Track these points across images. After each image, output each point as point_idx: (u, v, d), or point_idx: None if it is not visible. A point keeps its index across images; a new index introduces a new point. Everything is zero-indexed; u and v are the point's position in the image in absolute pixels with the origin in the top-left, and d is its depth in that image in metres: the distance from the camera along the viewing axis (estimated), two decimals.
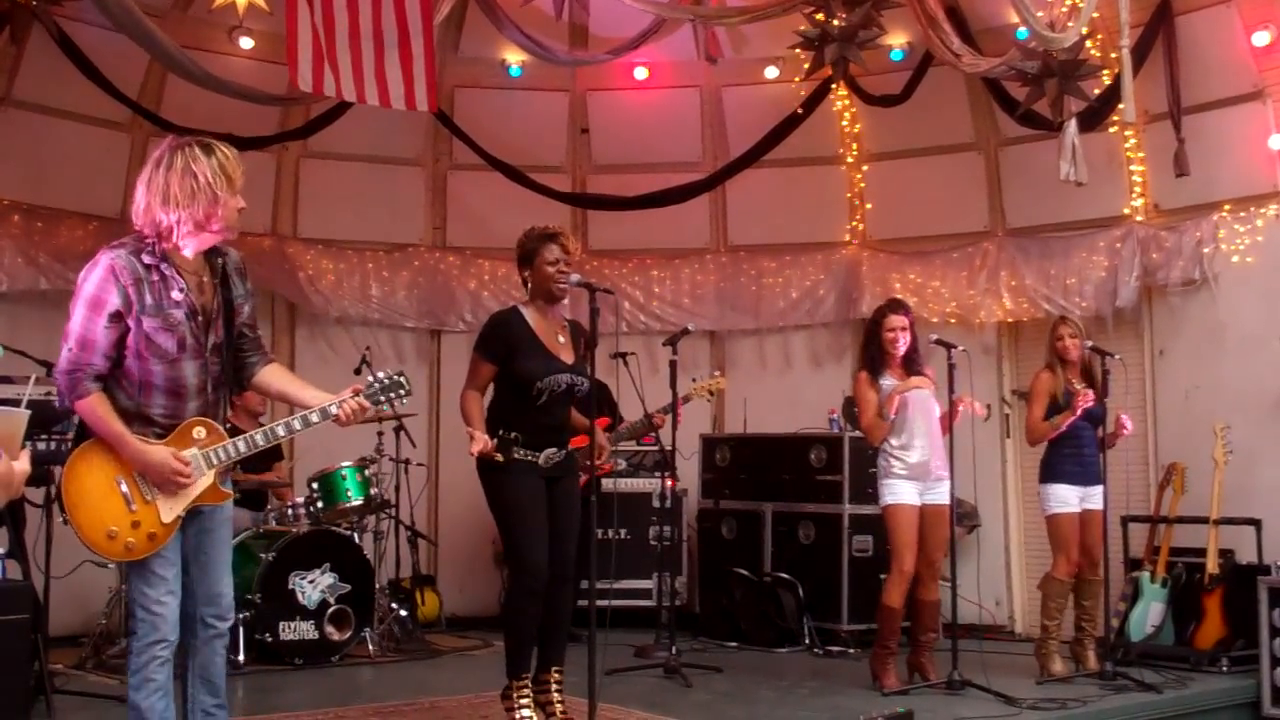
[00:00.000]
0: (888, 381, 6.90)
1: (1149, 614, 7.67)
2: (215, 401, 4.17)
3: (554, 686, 5.58)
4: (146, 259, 4.02)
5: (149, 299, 3.98)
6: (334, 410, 4.18)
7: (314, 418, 4.19)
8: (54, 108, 8.41)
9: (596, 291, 5.42)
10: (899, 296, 7.57)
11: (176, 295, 4.02)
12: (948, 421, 6.90)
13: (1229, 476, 7.58)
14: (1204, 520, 7.60)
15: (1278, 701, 6.91)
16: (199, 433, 4.10)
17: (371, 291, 9.81)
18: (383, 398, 4.35)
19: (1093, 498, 7.22)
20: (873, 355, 7.00)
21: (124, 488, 4.00)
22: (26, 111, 8.32)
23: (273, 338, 9.61)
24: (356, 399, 4.21)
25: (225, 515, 4.27)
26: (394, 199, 9.92)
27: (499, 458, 5.38)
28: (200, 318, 4.07)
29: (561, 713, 5.51)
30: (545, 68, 9.54)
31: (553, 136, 10.13)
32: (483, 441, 5.31)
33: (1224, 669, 7.30)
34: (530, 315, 5.58)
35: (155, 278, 4.01)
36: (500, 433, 5.42)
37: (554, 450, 5.50)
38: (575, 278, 5.53)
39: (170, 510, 4.04)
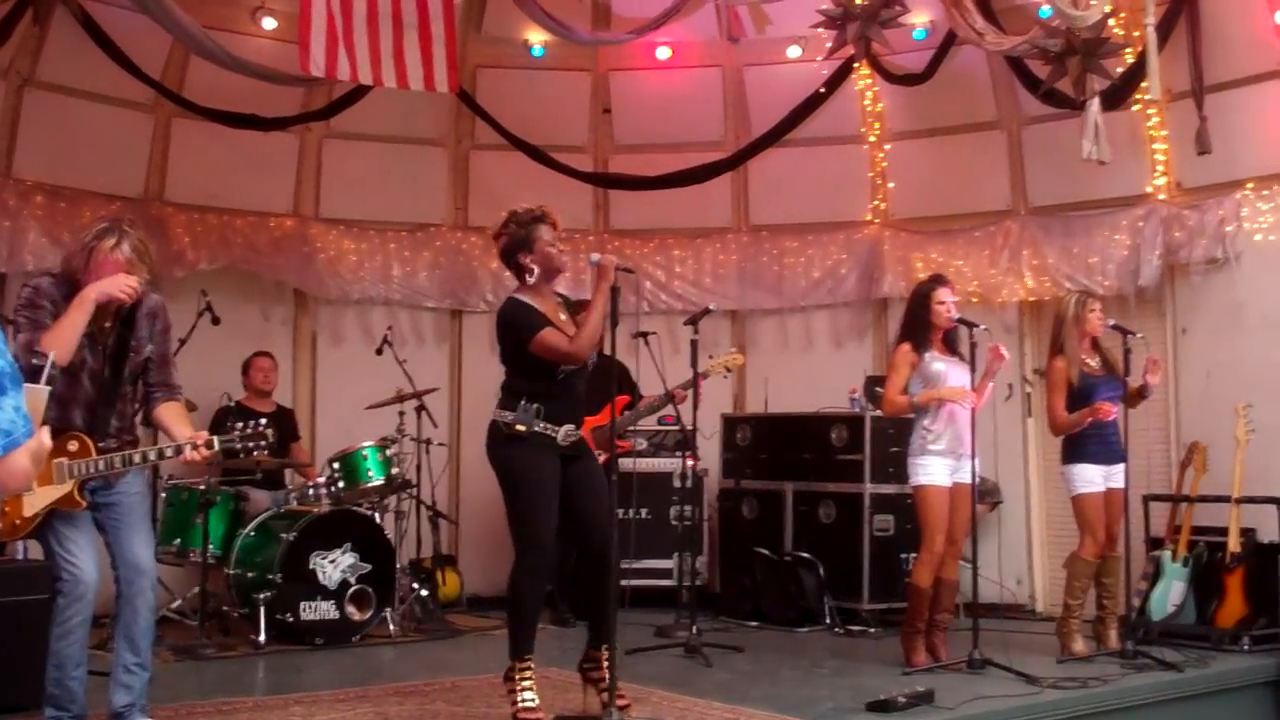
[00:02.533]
0: (938, 364, 6.87)
1: (1170, 593, 7.65)
2: (103, 418, 4.82)
3: (604, 663, 5.51)
4: (65, 289, 4.78)
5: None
6: (187, 450, 4.78)
7: (167, 451, 4.82)
8: (77, 89, 8.46)
9: (617, 270, 5.42)
10: (942, 274, 7.54)
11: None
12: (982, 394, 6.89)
13: (1250, 455, 7.54)
14: (1225, 499, 7.58)
15: None
16: (72, 445, 4.71)
17: (393, 272, 9.83)
18: (239, 445, 4.94)
19: (1115, 476, 7.19)
20: (918, 329, 6.96)
21: None
22: (50, 92, 8.38)
23: (294, 318, 9.67)
24: (203, 447, 4.77)
25: (134, 490, 4.93)
26: (416, 179, 9.93)
27: (521, 429, 5.38)
28: (99, 347, 4.80)
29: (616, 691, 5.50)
30: (567, 47, 9.53)
31: (575, 116, 10.11)
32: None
33: (1245, 648, 7.27)
34: (532, 300, 5.53)
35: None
36: (523, 403, 5.40)
37: (572, 427, 5.49)
38: (595, 256, 5.52)
39: (31, 506, 4.67)
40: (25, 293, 4.83)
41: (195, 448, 4.77)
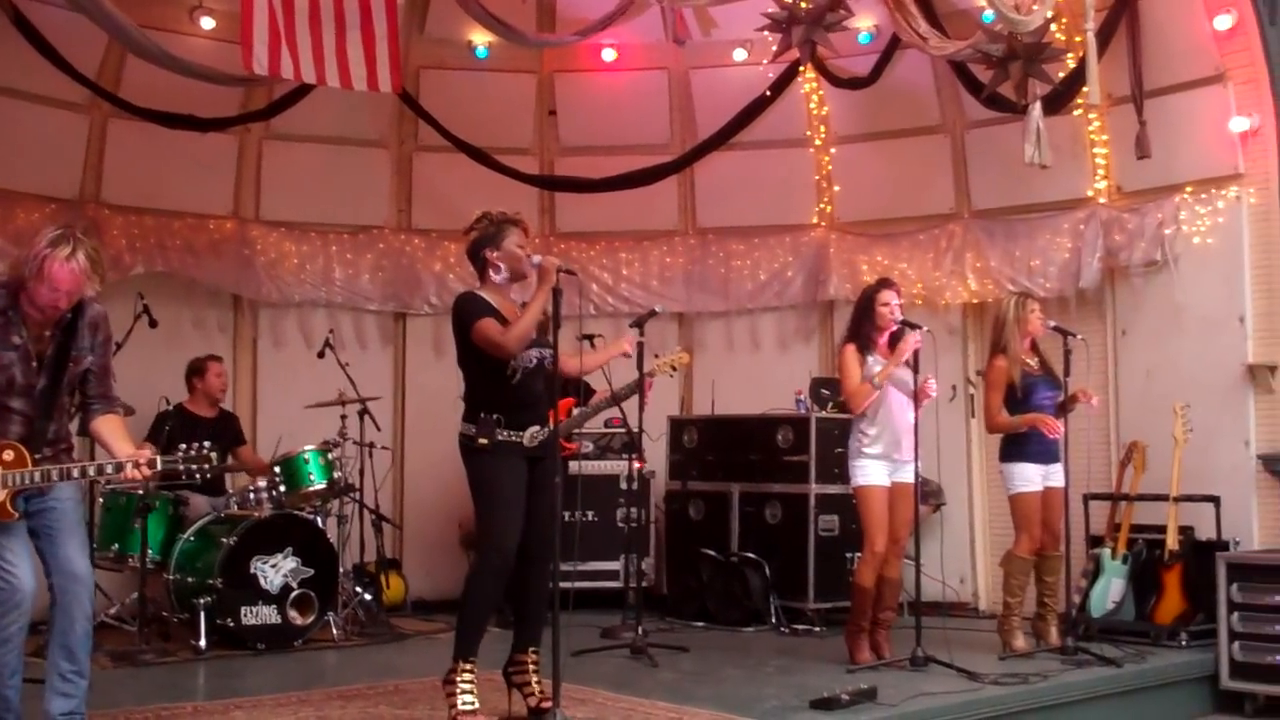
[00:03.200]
0: (879, 367, 6.90)
1: (1110, 590, 7.73)
2: (40, 430, 4.75)
3: (531, 667, 5.55)
4: (6, 299, 4.70)
5: None
6: (127, 469, 4.72)
7: (108, 468, 4.76)
8: (11, 89, 8.28)
9: (560, 272, 5.41)
10: (888, 277, 7.60)
11: (15, 339, 4.68)
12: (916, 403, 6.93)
13: (1188, 455, 7.64)
14: (1164, 498, 7.67)
15: (1235, 675, 6.99)
16: (7, 455, 4.64)
17: (335, 274, 9.75)
18: (181, 466, 4.81)
19: (1054, 475, 7.29)
20: (865, 333, 7.00)
21: None
22: None
23: (235, 321, 9.58)
24: (145, 467, 4.71)
25: (67, 496, 4.84)
26: (358, 181, 9.85)
27: (484, 441, 5.37)
28: (33, 362, 4.71)
29: (540, 693, 5.47)
30: (512, 49, 9.49)
31: (520, 118, 10.08)
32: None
33: (1183, 643, 7.37)
34: (491, 298, 5.54)
35: (3, 320, 4.68)
36: (481, 416, 5.40)
37: (537, 429, 5.47)
38: (536, 259, 5.51)
39: None
40: None
41: (137, 466, 4.71)
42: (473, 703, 5.32)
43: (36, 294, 4.65)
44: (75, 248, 4.65)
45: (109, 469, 4.75)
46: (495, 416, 5.40)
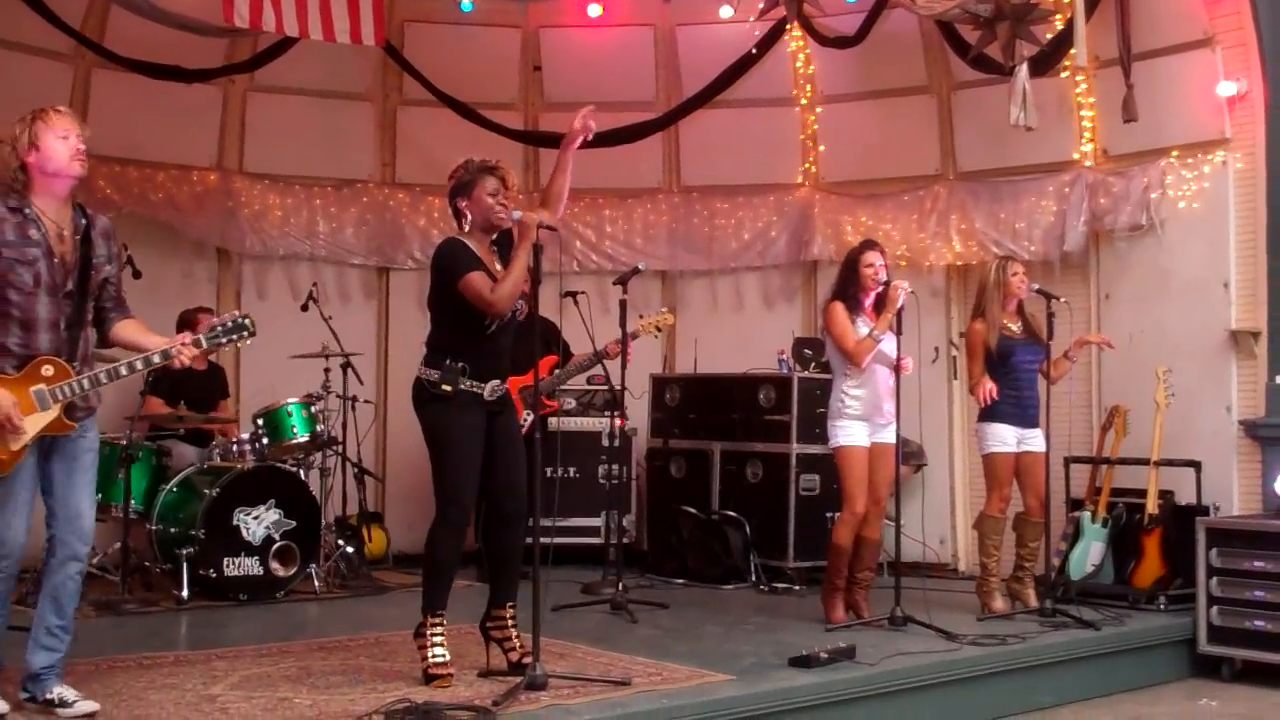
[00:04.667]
0: (865, 329, 6.89)
1: (1089, 553, 7.78)
2: (68, 340, 4.60)
3: (510, 623, 5.56)
4: (11, 203, 4.55)
5: (10, 234, 4.50)
6: (173, 353, 4.62)
7: (155, 359, 4.64)
8: None
9: (541, 228, 5.39)
10: (872, 239, 7.60)
11: (34, 234, 4.53)
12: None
13: (1170, 419, 7.68)
14: (1145, 462, 7.71)
15: (1213, 639, 7.04)
16: (47, 370, 4.53)
17: (319, 227, 9.72)
18: (223, 340, 4.76)
19: (1031, 439, 7.31)
20: (850, 294, 6.99)
21: None
22: None
23: (218, 273, 9.54)
24: (192, 346, 4.64)
25: (89, 446, 4.74)
26: (343, 134, 9.80)
27: (447, 388, 5.36)
28: (56, 260, 4.56)
29: (520, 647, 5.49)
30: (497, 3, 9.48)
31: (505, 73, 10.03)
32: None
33: (1162, 607, 7.42)
34: (473, 245, 5.51)
35: (18, 219, 4.53)
36: (447, 362, 5.38)
37: (498, 383, 5.46)
38: (516, 214, 5.46)
39: (17, 440, 4.49)
40: None
41: (180, 350, 4.61)
42: (444, 655, 5.34)
43: (46, 163, 4.55)
44: (47, 106, 4.67)
45: (155, 359, 4.64)
46: (461, 365, 5.37)
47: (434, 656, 5.33)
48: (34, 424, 4.51)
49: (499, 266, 5.49)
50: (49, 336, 4.58)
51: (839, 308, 6.98)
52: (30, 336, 4.55)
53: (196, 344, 4.65)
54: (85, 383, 4.58)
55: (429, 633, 5.37)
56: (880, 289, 6.98)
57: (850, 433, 6.90)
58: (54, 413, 4.53)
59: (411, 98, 9.84)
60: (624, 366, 7.66)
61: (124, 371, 4.63)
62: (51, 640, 4.69)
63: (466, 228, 5.52)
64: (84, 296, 4.68)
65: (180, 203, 9.13)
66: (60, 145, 4.56)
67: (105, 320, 4.83)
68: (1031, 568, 7.45)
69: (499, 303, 5.33)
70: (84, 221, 4.69)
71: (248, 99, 9.49)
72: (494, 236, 5.58)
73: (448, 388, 5.35)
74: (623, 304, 7.48)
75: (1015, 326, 7.38)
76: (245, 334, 4.78)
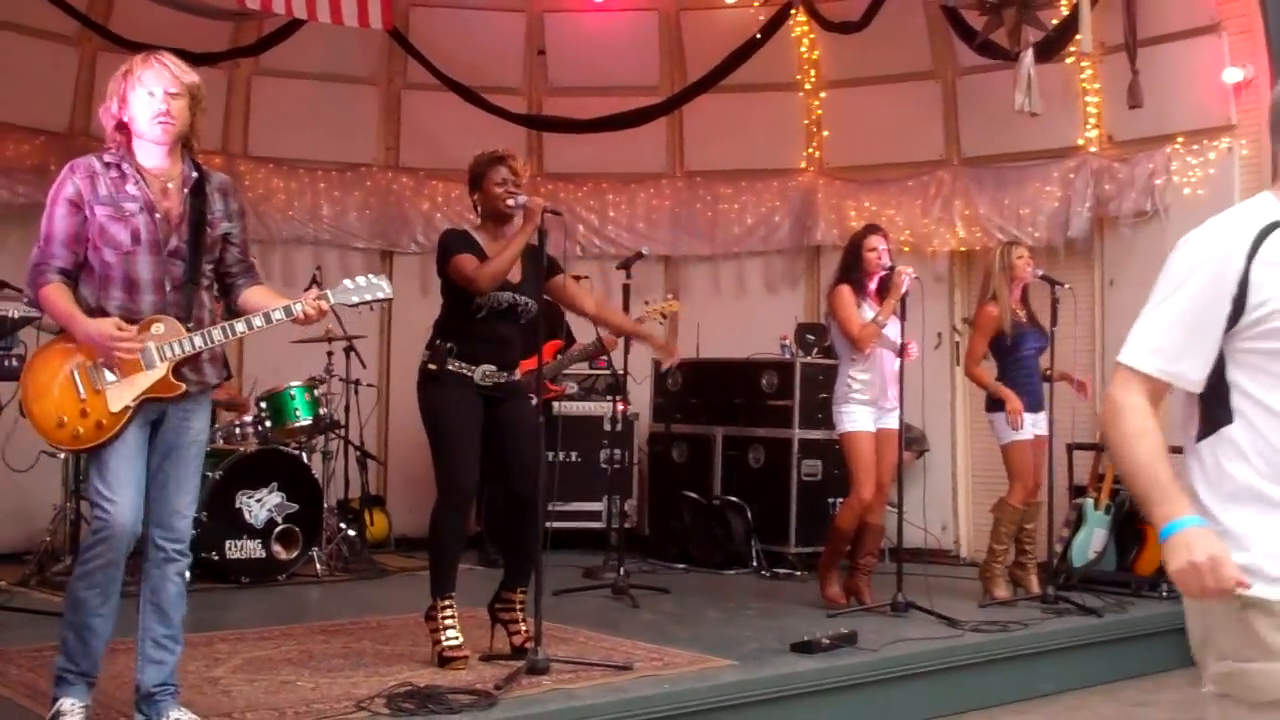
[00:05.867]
0: (870, 314, 6.89)
1: (1092, 540, 7.78)
2: (177, 301, 4.17)
3: (519, 607, 5.59)
4: (107, 159, 4.17)
5: (103, 190, 4.11)
6: (297, 309, 4.23)
7: (276, 315, 4.22)
8: (0, 20, 8.21)
9: (545, 213, 5.40)
10: (875, 223, 7.60)
11: (132, 189, 4.12)
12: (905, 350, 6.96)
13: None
14: None
15: None
16: (158, 328, 4.14)
17: (322, 211, 9.71)
18: (355, 299, 4.41)
19: (1038, 424, 7.31)
20: (854, 279, 6.98)
21: (76, 377, 4.12)
22: None
23: None
24: (318, 301, 4.26)
25: (195, 436, 4.30)
26: (347, 118, 9.79)
27: (432, 367, 5.39)
28: (158, 215, 4.14)
29: (525, 630, 5.50)
30: None
31: (509, 57, 10.01)
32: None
33: (1163, 594, 7.42)
34: (480, 237, 5.54)
35: (114, 174, 4.14)
36: (437, 342, 5.43)
37: (491, 369, 5.45)
38: (522, 199, 5.48)
39: (119, 401, 4.08)
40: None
41: (306, 306, 4.21)
42: (457, 638, 5.36)
43: (133, 122, 4.13)
44: (149, 51, 4.24)
45: (276, 315, 4.21)
46: (449, 345, 5.41)
47: (448, 639, 5.35)
48: (138, 383, 4.10)
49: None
50: (153, 298, 4.14)
51: (845, 290, 6.96)
52: (133, 298, 4.12)
53: (322, 299, 4.27)
54: (197, 340, 4.14)
55: (440, 616, 5.39)
56: (884, 273, 6.97)
57: (857, 418, 6.90)
58: (161, 371, 4.11)
59: (415, 82, 9.82)
60: (627, 351, 7.65)
61: (240, 328, 4.22)
62: (160, 652, 4.27)
63: (479, 220, 5.57)
64: (196, 254, 4.22)
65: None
66: (143, 106, 4.12)
67: (232, 288, 4.39)
68: (1033, 551, 7.46)
69: (480, 279, 5.34)
70: (195, 175, 4.27)
71: (252, 83, 9.48)
72: (510, 228, 5.58)
73: (433, 366, 5.40)
74: (626, 289, 7.47)
75: (1021, 313, 7.36)
76: (381, 296, 4.42)
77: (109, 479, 4.07)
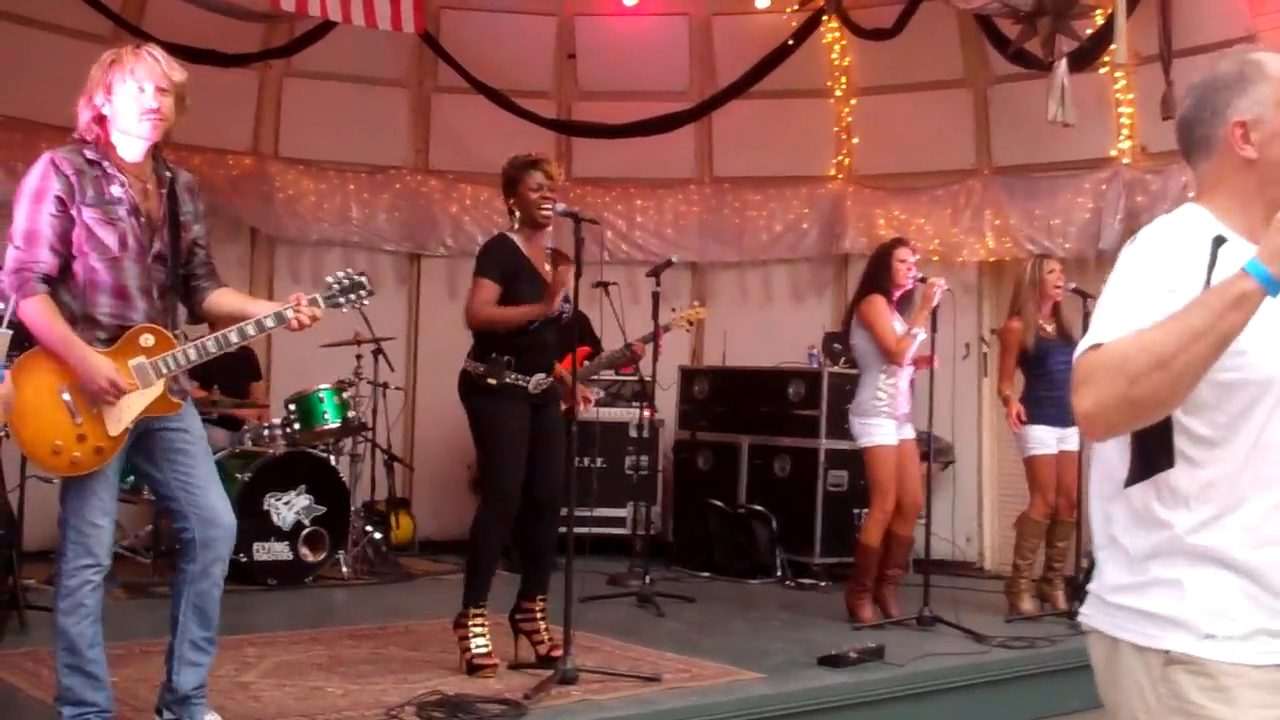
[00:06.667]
0: (899, 326, 6.88)
1: None
2: (163, 309, 4.07)
3: (540, 615, 5.60)
4: (89, 154, 3.99)
5: (90, 190, 3.93)
6: (289, 315, 4.09)
7: (269, 322, 4.09)
8: (34, 19, 8.25)
9: (582, 221, 5.40)
10: (902, 236, 7.60)
11: (117, 191, 3.97)
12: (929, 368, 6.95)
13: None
14: None
15: None
16: (146, 340, 3.99)
17: (351, 213, 9.73)
18: (342, 300, 4.28)
19: (1069, 439, 7.25)
20: (882, 290, 6.94)
21: (68, 399, 3.89)
22: (6, 22, 8.17)
23: (251, 257, 9.57)
24: (311, 307, 4.13)
25: (198, 433, 4.19)
26: (377, 120, 9.81)
27: (492, 381, 5.38)
28: (142, 218, 4.01)
29: (550, 640, 5.51)
30: None
31: (539, 61, 10.02)
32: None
33: None
34: (520, 242, 5.56)
35: (97, 173, 3.97)
36: (493, 355, 5.43)
37: (543, 376, 5.50)
38: (560, 207, 5.50)
39: (117, 423, 3.93)
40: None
41: (298, 312, 4.08)
42: (487, 646, 5.38)
43: (116, 116, 3.97)
44: (139, 43, 4.10)
45: (269, 323, 4.07)
46: (506, 358, 5.42)
47: (477, 648, 5.37)
48: (135, 403, 3.96)
49: (547, 267, 5.53)
50: (144, 305, 4.01)
51: (880, 301, 6.89)
52: (124, 305, 3.97)
53: (313, 304, 4.13)
54: (192, 352, 4.02)
55: (470, 624, 5.41)
56: (911, 286, 6.95)
57: (884, 431, 6.87)
58: (157, 389, 3.98)
59: (446, 84, 9.84)
60: (655, 358, 7.64)
61: (234, 339, 4.09)
62: (199, 655, 4.20)
63: (516, 225, 5.57)
64: (175, 258, 4.10)
65: (216, 186, 9.13)
66: (131, 100, 3.95)
67: (197, 291, 4.25)
68: (1061, 568, 7.41)
69: (471, 319, 5.44)
70: (168, 174, 4.14)
71: (284, 84, 9.52)
72: (546, 233, 5.63)
73: (493, 381, 5.39)
74: (655, 296, 7.46)
75: (1050, 327, 7.32)
76: (364, 293, 4.31)
77: (94, 504, 3.95)
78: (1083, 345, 2.16)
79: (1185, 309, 2.05)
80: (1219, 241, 2.18)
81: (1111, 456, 2.26)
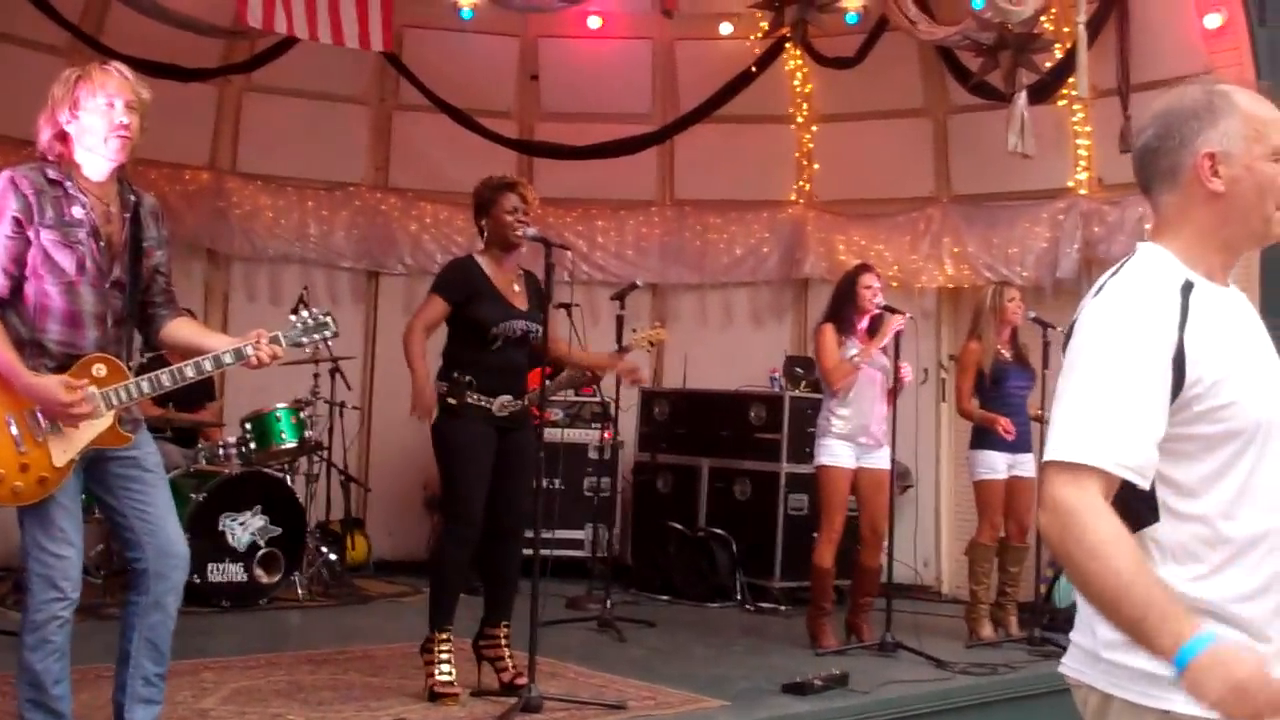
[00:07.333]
0: (853, 351, 6.91)
1: None
2: (117, 338, 3.94)
3: (503, 641, 5.55)
4: (50, 173, 3.85)
5: (49, 211, 3.79)
6: (249, 352, 3.93)
7: (226, 358, 3.94)
8: None
9: (553, 247, 5.38)
10: (867, 262, 7.65)
11: (78, 212, 3.83)
12: (894, 390, 6.96)
13: None
14: None
15: None
16: (99, 370, 3.85)
17: (310, 230, 9.64)
18: (304, 340, 4.14)
19: (1022, 464, 7.33)
20: (845, 315, 6.99)
21: (13, 429, 3.75)
22: None
23: (207, 273, 9.47)
24: (272, 345, 3.97)
25: (154, 460, 4.06)
26: (337, 137, 9.73)
27: (452, 401, 5.34)
28: (102, 242, 3.86)
29: (513, 667, 5.46)
30: (497, 11, 9.37)
31: (502, 81, 9.99)
32: (429, 397, 5.29)
33: None
34: (485, 264, 5.54)
35: (57, 193, 3.83)
36: (454, 375, 5.38)
37: (508, 398, 5.46)
38: (532, 231, 5.48)
39: (63, 453, 3.79)
40: None
41: (258, 349, 3.92)
42: (451, 674, 5.32)
43: (82, 134, 3.85)
44: (105, 60, 3.96)
45: (227, 359, 3.92)
46: (468, 379, 5.37)
47: (440, 674, 5.31)
48: (83, 434, 3.82)
49: (517, 288, 5.51)
50: (96, 334, 3.87)
51: (828, 330, 7.00)
52: (74, 333, 3.84)
53: (274, 341, 3.97)
54: (145, 385, 3.89)
55: (436, 649, 5.35)
56: (876, 313, 6.99)
57: (834, 452, 6.90)
58: (107, 421, 3.85)
59: (407, 102, 9.78)
60: (618, 380, 7.60)
61: (190, 374, 3.93)
62: (151, 691, 4.04)
63: (484, 245, 5.57)
64: (134, 286, 3.97)
65: (171, 201, 9.01)
66: (100, 117, 3.84)
67: (154, 319, 4.11)
68: (1014, 593, 7.48)
69: (406, 332, 5.46)
70: (132, 198, 4.00)
71: (243, 99, 9.43)
72: (516, 255, 5.61)
73: (453, 400, 5.35)
74: (619, 319, 7.44)
75: (1008, 353, 7.40)
76: (328, 333, 4.19)
77: (55, 535, 3.80)
78: (1062, 446, 2.09)
79: (1137, 571, 2.01)
80: (1188, 289, 2.16)
81: None
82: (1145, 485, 2.11)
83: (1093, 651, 2.22)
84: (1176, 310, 2.12)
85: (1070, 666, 2.28)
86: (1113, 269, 2.28)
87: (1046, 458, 2.12)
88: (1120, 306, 2.17)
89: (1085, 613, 2.24)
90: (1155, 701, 2.11)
